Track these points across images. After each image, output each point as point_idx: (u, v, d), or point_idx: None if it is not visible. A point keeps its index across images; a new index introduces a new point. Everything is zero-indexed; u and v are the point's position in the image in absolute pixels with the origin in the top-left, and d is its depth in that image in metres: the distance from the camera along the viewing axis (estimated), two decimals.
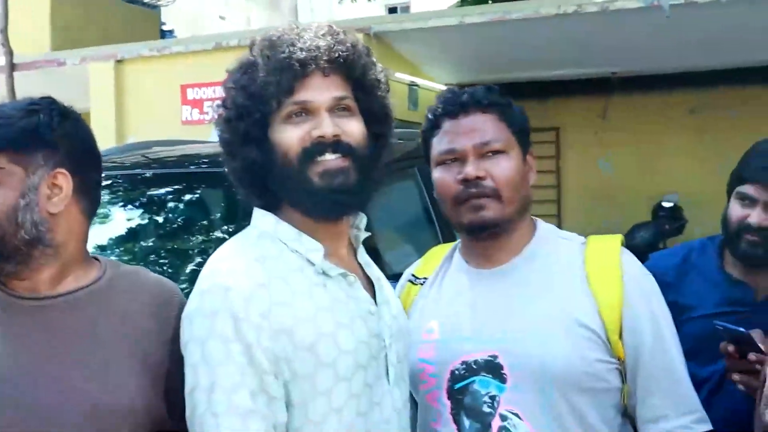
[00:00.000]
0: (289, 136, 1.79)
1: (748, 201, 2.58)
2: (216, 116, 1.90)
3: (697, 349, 2.39)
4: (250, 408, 1.67)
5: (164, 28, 14.10)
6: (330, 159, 1.78)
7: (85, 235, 1.98)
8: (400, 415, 1.90)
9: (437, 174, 2.15)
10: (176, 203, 4.14)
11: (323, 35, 1.83)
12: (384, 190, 3.98)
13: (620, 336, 2.04)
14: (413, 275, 2.34)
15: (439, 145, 2.15)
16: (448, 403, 2.08)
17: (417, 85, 8.86)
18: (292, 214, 1.85)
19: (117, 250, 3.88)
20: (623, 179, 10.92)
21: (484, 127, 2.11)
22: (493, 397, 2.03)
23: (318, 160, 1.78)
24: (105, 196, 4.11)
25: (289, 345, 1.70)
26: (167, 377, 1.91)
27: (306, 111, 1.80)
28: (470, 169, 2.07)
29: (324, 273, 1.81)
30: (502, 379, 2.03)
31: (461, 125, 2.12)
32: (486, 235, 2.12)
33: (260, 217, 1.89)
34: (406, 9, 19.99)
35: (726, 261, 2.71)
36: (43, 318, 1.88)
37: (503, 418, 2.02)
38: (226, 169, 1.93)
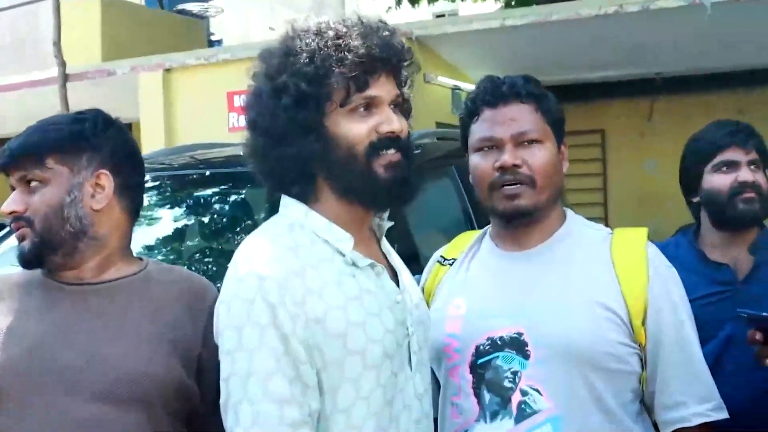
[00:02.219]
0: (357, 129, 1.82)
1: (727, 167, 2.68)
2: (256, 104, 1.89)
3: None
4: (287, 396, 1.68)
5: (213, 38, 14.24)
6: (393, 153, 1.82)
7: (127, 231, 2.14)
8: (421, 401, 1.93)
9: (475, 159, 2.21)
10: (221, 203, 4.23)
11: (391, 35, 1.87)
12: (424, 187, 4.07)
13: (642, 322, 2.08)
14: (442, 256, 2.40)
15: (478, 132, 2.20)
16: (470, 377, 2.12)
17: (460, 89, 8.89)
18: (328, 204, 1.87)
19: (164, 249, 3.98)
20: (670, 182, 10.78)
21: (521, 117, 2.16)
22: (515, 373, 2.07)
23: (382, 154, 1.81)
24: (152, 197, 4.23)
25: (320, 333, 1.73)
26: (199, 361, 2.01)
27: (371, 106, 1.83)
28: (507, 157, 2.12)
29: (353, 263, 1.84)
30: (526, 355, 2.07)
31: (500, 114, 2.17)
32: (519, 221, 2.18)
33: (290, 205, 1.90)
34: (454, 15, 20.00)
35: (704, 247, 2.79)
36: (84, 300, 2.03)
37: (523, 393, 2.06)
38: (260, 157, 1.92)
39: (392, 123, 1.82)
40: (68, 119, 2.10)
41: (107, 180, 2.06)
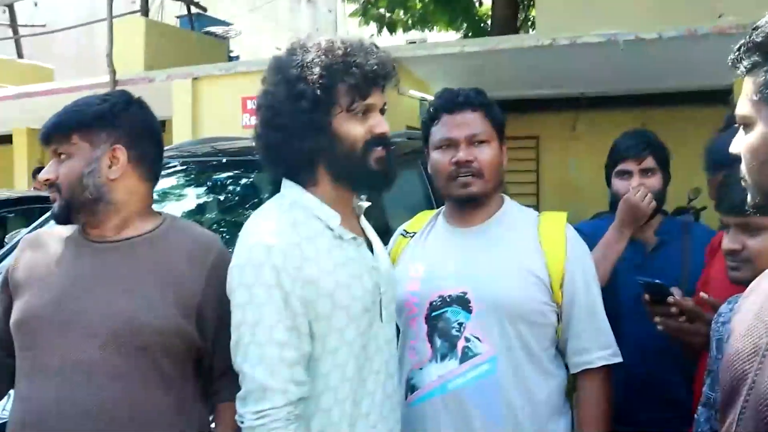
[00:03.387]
0: (358, 130, 1.83)
1: (626, 175, 2.77)
2: (272, 107, 1.87)
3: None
4: (286, 340, 1.72)
5: (231, 54, 14.12)
6: (381, 150, 1.85)
7: (145, 195, 2.05)
8: (389, 345, 1.95)
9: (435, 156, 2.23)
10: (234, 185, 4.21)
11: (386, 55, 1.89)
12: (397, 177, 4.06)
13: (560, 285, 2.14)
14: (404, 230, 2.42)
15: (438, 133, 2.23)
16: (425, 326, 2.15)
17: (426, 100, 8.82)
18: (324, 188, 1.88)
19: (188, 220, 3.96)
20: (587, 178, 10.84)
21: (473, 122, 2.20)
22: (460, 324, 2.11)
23: (374, 150, 1.83)
24: (180, 178, 4.21)
25: (314, 292, 1.75)
26: (198, 308, 1.93)
27: (368, 111, 1.84)
28: (462, 154, 2.17)
29: (340, 237, 1.85)
30: (469, 310, 2.10)
31: (456, 119, 2.20)
32: (469, 204, 2.21)
33: (290, 187, 1.90)
34: (423, 42, 20.04)
35: None
36: (104, 256, 1.97)
37: (467, 339, 2.10)
38: (273, 149, 1.89)
39: (383, 126, 1.85)
40: (95, 100, 2.02)
41: (122, 153, 1.97)
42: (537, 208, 2.37)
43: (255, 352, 1.72)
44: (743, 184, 1.28)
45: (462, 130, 2.18)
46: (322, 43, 1.85)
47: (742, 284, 1.92)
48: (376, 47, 1.90)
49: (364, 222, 2.05)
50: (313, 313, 1.76)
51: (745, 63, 1.23)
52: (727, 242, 2.05)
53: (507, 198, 2.33)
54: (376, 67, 1.83)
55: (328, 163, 1.86)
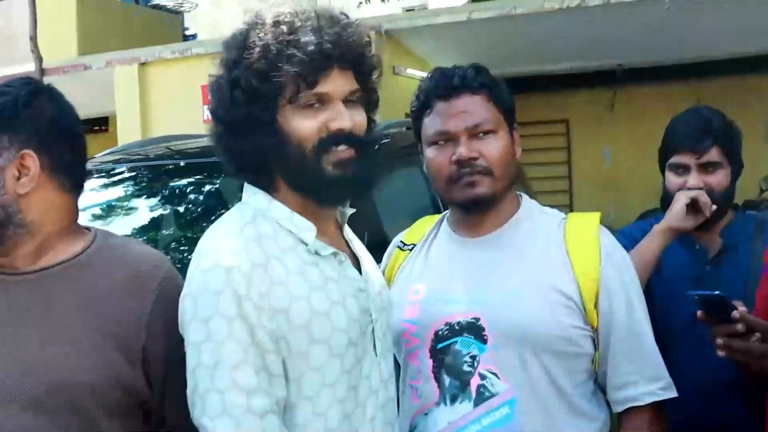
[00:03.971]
0: (306, 126, 1.78)
1: (679, 170, 2.69)
2: (216, 95, 1.85)
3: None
4: (254, 385, 1.67)
5: (187, 32, 14.17)
6: (343, 150, 1.79)
7: (67, 210, 1.93)
8: (386, 385, 1.92)
9: (431, 154, 2.18)
10: (197, 193, 4.20)
11: (344, 29, 1.81)
12: (392, 175, 4.05)
13: (595, 305, 2.08)
14: (402, 242, 2.39)
15: (431, 126, 2.17)
16: (429, 362, 2.12)
17: None
18: (287, 195, 1.85)
19: (139, 238, 3.95)
20: (630, 169, 10.88)
21: (474, 108, 2.13)
22: (473, 357, 2.07)
23: (332, 151, 1.78)
24: (128, 187, 4.21)
25: (285, 324, 1.71)
26: (143, 350, 1.86)
27: (322, 101, 1.79)
28: (463, 150, 2.10)
29: (316, 252, 1.82)
30: (483, 340, 2.07)
31: (452, 107, 2.13)
32: (478, 209, 2.17)
33: (254, 194, 1.87)
34: (423, 9, 20.03)
35: None
36: (17, 293, 1.85)
37: (482, 376, 2.06)
38: (221, 146, 1.88)
39: (342, 120, 1.79)
40: None
41: (32, 161, 1.83)
42: (570, 207, 2.34)
43: (216, 400, 1.67)
44: None
45: (461, 120, 2.12)
46: (269, 17, 1.81)
47: None
48: (340, 18, 1.84)
49: (350, 233, 2.03)
50: (285, 349, 1.73)
51: None
52: None
53: (525, 197, 2.29)
54: (328, 45, 1.76)
55: (278, 168, 1.84)
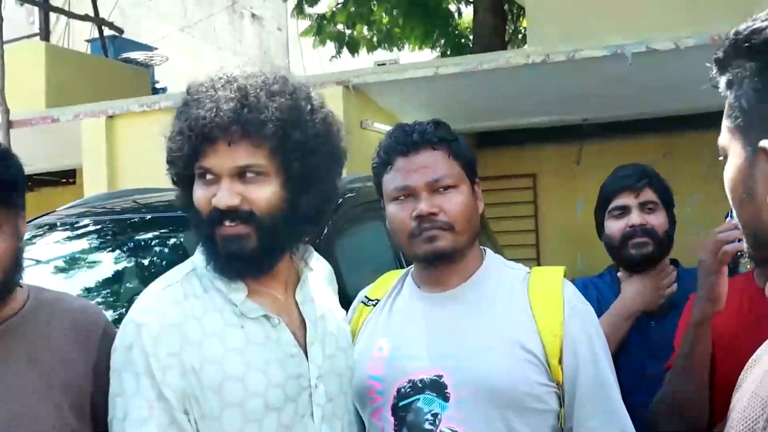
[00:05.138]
0: (200, 197, 1.80)
1: (619, 212, 2.76)
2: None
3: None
4: None
5: (158, 85, 14.19)
6: (228, 226, 1.77)
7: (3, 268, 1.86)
8: None
9: (392, 209, 2.18)
10: (162, 246, 4.19)
11: (233, 98, 1.74)
12: (355, 230, 4.06)
13: (559, 360, 2.07)
14: (366, 297, 2.37)
15: (393, 181, 2.17)
16: (391, 419, 2.09)
17: None
18: None
19: (102, 291, 3.93)
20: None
21: (434, 164, 2.14)
22: (435, 415, 2.04)
23: (216, 227, 1.78)
24: (93, 240, 4.19)
25: (197, 384, 1.73)
26: (92, 400, 1.88)
27: (212, 175, 1.78)
28: (423, 206, 2.10)
29: (242, 314, 1.82)
30: (446, 397, 2.04)
31: (413, 162, 2.14)
32: (440, 263, 2.16)
33: (198, 252, 1.90)
34: (395, 63, 20.29)
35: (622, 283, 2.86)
36: None
37: None
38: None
39: (220, 198, 1.75)
40: None
41: None
42: (537, 261, 2.36)
43: None
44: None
45: (421, 175, 2.13)
46: (205, 84, 1.81)
47: None
48: (278, 86, 1.79)
49: (306, 294, 2.01)
50: (197, 410, 1.74)
51: (727, 76, 1.32)
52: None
53: (489, 252, 2.30)
54: (216, 118, 1.71)
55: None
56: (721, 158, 1.33)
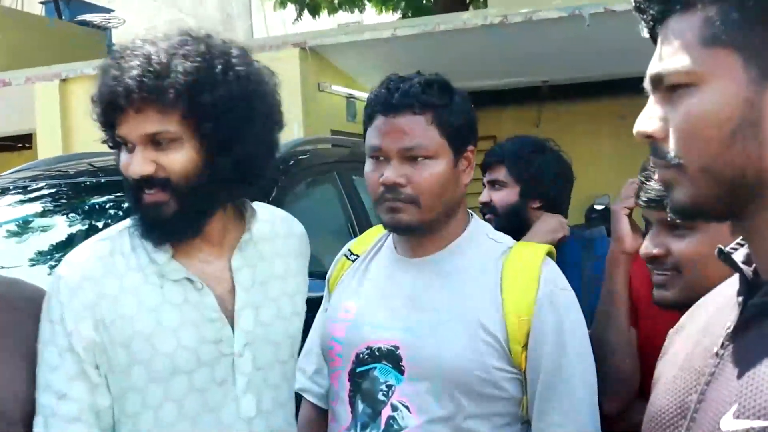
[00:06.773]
0: (121, 165, 1.78)
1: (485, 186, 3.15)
2: None
3: None
4: (64, 391, 1.73)
5: (114, 49, 14.02)
6: (147, 194, 1.75)
7: None
8: (251, 424, 1.87)
9: (367, 167, 2.04)
10: (117, 209, 4.16)
11: (136, 66, 1.69)
12: (306, 192, 4.06)
13: (525, 346, 1.92)
14: (349, 250, 2.26)
15: (370, 138, 2.01)
16: (347, 384, 2.02)
17: (354, 98, 8.90)
18: None
19: (56, 255, 3.90)
20: None
21: (412, 130, 1.94)
22: (389, 386, 1.96)
23: (137, 192, 1.75)
24: (48, 204, 4.16)
25: (107, 339, 1.75)
26: None
27: (129, 143, 1.75)
28: (389, 174, 1.94)
29: (162, 275, 1.82)
30: (401, 370, 1.95)
31: (390, 124, 1.96)
32: (404, 234, 2.05)
33: None
34: (358, 25, 20.07)
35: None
36: None
37: (394, 408, 1.94)
38: None
39: (133, 167, 1.73)
40: None
41: None
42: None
43: (39, 398, 1.75)
44: (663, 174, 1.17)
45: (395, 140, 1.94)
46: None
47: (672, 308, 1.86)
48: (149, 57, 1.71)
49: (242, 260, 1.94)
50: (106, 363, 1.75)
51: None
52: (646, 246, 1.97)
53: (475, 220, 2.13)
54: (120, 87, 1.68)
55: None
56: (680, 88, 1.11)
